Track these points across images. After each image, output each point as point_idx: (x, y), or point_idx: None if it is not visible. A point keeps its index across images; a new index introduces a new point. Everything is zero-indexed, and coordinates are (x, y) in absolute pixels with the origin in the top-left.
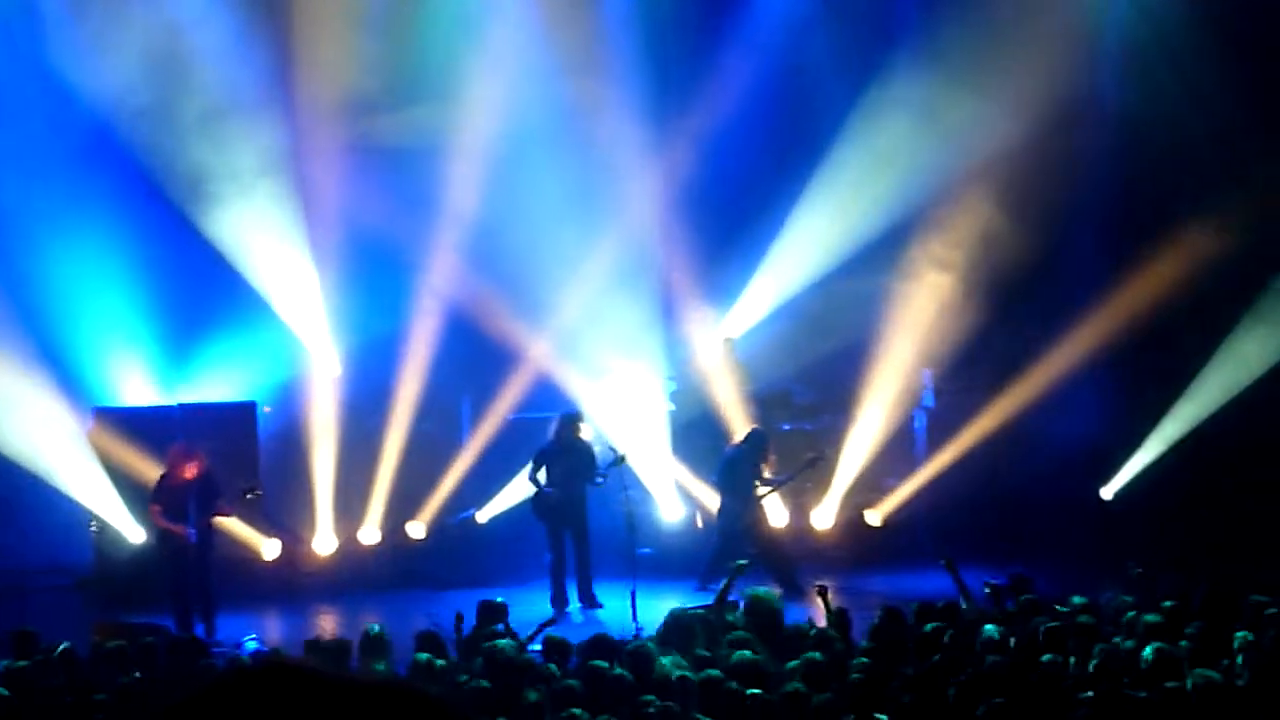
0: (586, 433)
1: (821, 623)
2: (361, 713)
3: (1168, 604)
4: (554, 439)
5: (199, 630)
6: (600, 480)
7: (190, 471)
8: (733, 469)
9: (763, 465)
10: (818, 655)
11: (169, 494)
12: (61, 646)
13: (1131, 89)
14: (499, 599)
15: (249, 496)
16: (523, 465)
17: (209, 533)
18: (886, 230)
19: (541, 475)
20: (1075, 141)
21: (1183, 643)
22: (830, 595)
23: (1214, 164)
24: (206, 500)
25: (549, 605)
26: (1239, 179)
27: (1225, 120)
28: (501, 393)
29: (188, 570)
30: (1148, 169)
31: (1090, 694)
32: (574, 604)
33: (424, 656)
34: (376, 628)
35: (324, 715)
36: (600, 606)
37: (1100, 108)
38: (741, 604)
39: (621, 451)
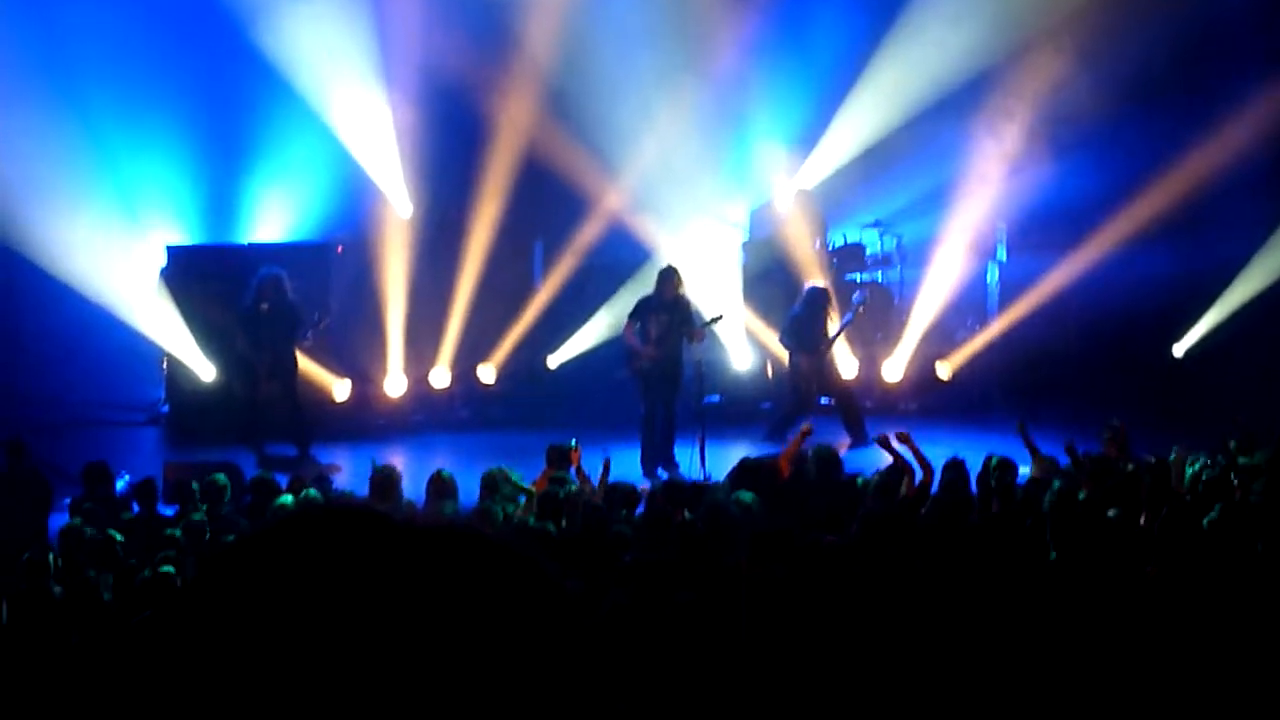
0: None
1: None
2: (424, 556)
3: (1242, 460)
4: (655, 293)
5: (293, 454)
6: (694, 340)
7: (274, 299)
8: (796, 327)
9: (826, 321)
10: (876, 507)
11: (252, 321)
12: (126, 479)
13: None
14: (573, 442)
15: (322, 325)
16: (593, 311)
17: (290, 360)
18: (965, 80)
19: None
20: None
21: (1252, 497)
22: (894, 443)
23: None
24: (286, 328)
25: (638, 463)
26: None
27: None
28: (574, 238)
29: (263, 399)
30: (1224, 24)
31: (1156, 551)
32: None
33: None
34: (445, 470)
35: (385, 559)
36: (677, 467)
37: None
38: (810, 455)
39: (718, 313)
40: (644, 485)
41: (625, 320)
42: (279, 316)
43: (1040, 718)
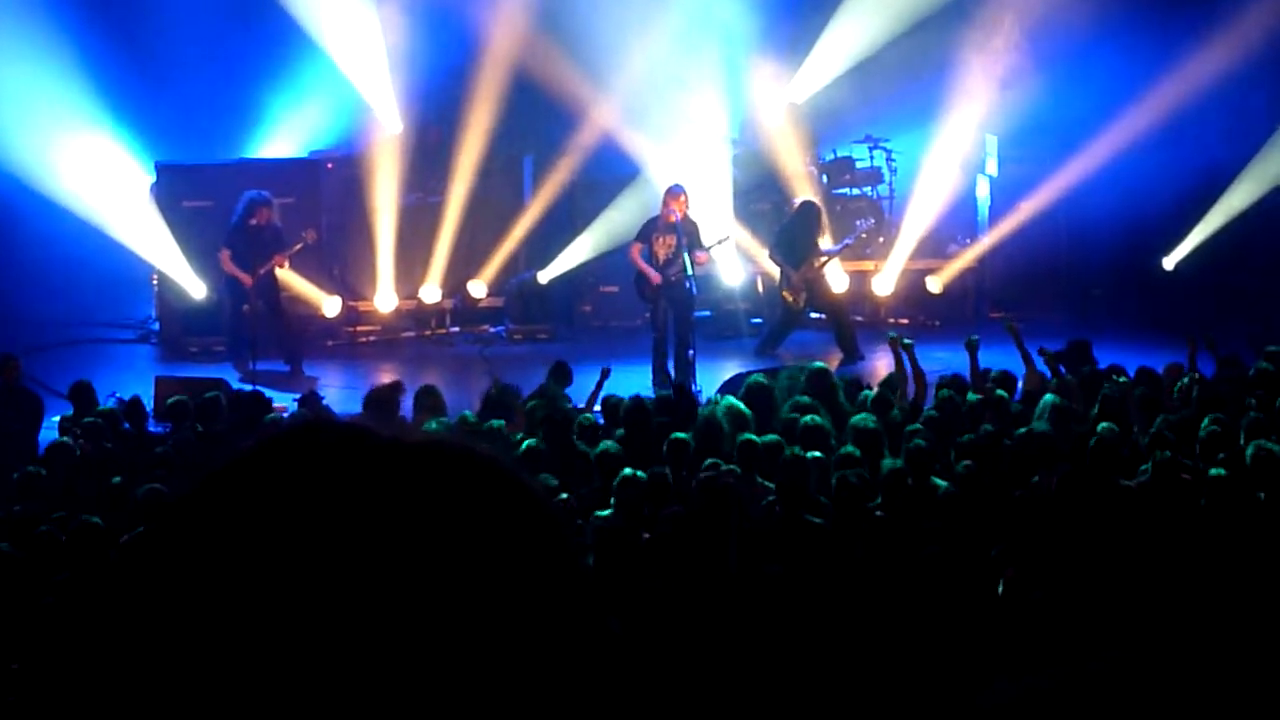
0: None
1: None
2: (409, 472)
3: (1235, 372)
4: (660, 214)
5: (284, 369)
6: (698, 264)
7: (260, 218)
8: (787, 241)
9: (818, 234)
10: (871, 422)
11: (239, 241)
12: (114, 398)
13: None
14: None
15: (300, 244)
16: (585, 226)
17: (271, 279)
18: None
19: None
20: None
21: (1252, 413)
22: (900, 348)
23: None
24: (270, 249)
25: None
26: None
27: None
28: (564, 153)
29: (251, 317)
30: None
31: (1148, 465)
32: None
33: (472, 415)
34: (432, 385)
35: (371, 474)
36: (695, 389)
37: None
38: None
39: (723, 234)
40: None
41: (631, 243)
42: (265, 236)
43: (1025, 625)
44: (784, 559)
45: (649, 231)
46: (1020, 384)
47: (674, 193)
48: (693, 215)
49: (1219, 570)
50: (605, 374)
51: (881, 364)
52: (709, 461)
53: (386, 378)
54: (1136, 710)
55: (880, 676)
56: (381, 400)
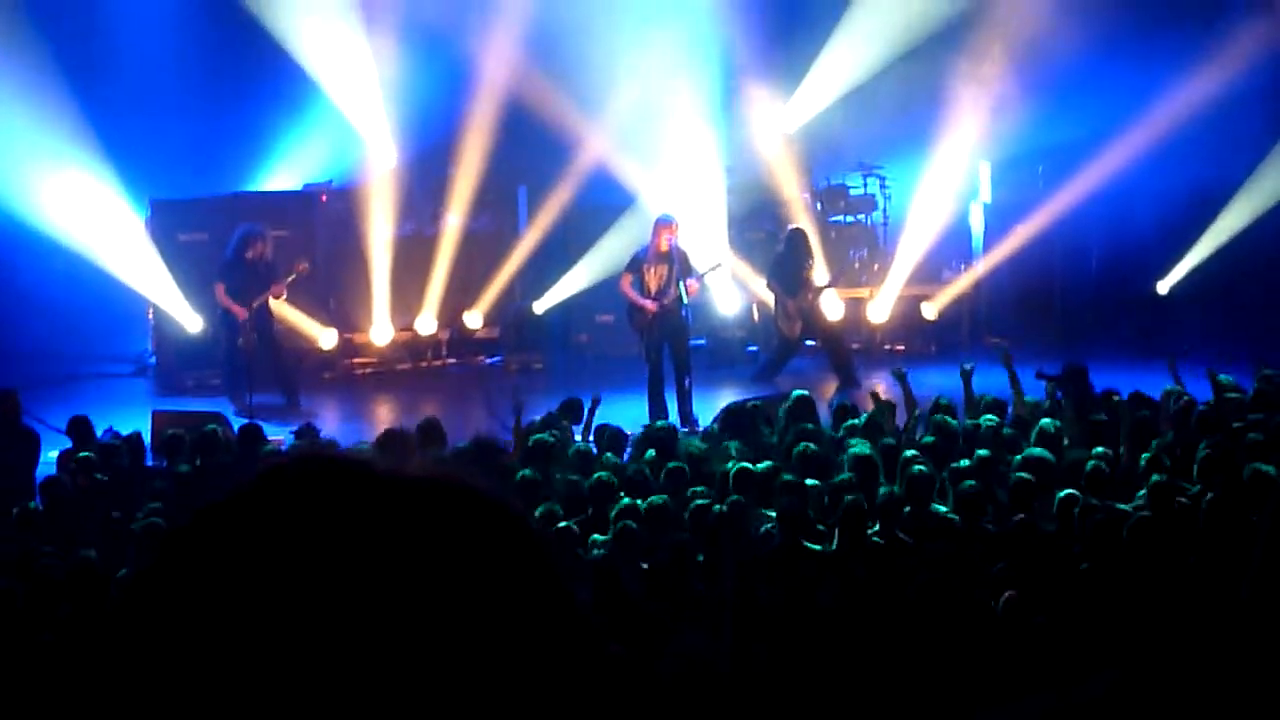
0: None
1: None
2: (406, 505)
3: (1232, 396)
4: (649, 244)
5: (280, 402)
6: (690, 292)
7: (255, 252)
8: (782, 270)
9: (807, 261)
10: (866, 449)
11: (233, 274)
12: (110, 433)
13: None
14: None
15: (294, 275)
16: (580, 256)
17: (265, 312)
18: (951, 18)
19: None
20: None
21: (1250, 435)
22: (882, 390)
23: None
24: (265, 282)
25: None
26: None
27: None
28: (559, 182)
29: (246, 350)
30: None
31: (1144, 489)
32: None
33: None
34: (433, 417)
35: (368, 508)
36: (697, 424)
37: None
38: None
39: (715, 262)
40: (630, 432)
41: (621, 274)
42: (260, 270)
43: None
44: (784, 585)
45: (638, 262)
46: (1010, 410)
47: (665, 222)
48: (682, 244)
49: (1216, 592)
50: (596, 402)
51: (879, 390)
52: (698, 489)
53: (383, 409)
54: None
55: (882, 701)
56: (400, 439)
